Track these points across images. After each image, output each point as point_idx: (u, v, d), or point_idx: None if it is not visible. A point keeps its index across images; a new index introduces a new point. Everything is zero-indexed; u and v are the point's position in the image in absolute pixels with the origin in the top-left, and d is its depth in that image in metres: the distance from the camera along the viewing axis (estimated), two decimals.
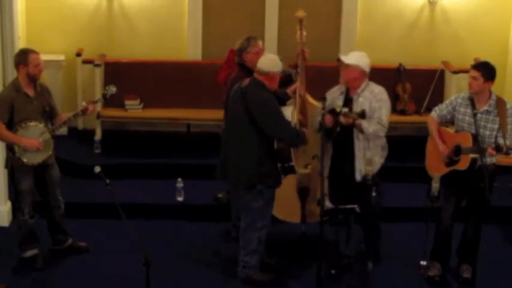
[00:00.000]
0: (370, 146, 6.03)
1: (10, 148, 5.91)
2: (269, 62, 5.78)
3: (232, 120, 5.95)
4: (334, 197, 5.97)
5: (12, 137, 5.84)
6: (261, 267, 6.11)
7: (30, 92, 5.92)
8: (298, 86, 6.23)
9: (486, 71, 5.84)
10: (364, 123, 5.86)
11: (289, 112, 5.90)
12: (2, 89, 6.19)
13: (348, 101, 6.01)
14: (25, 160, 5.89)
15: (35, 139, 5.86)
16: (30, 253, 6.18)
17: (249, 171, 5.78)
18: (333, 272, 6.23)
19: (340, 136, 6.01)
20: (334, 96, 6.08)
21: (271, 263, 6.27)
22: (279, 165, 5.84)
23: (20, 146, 5.84)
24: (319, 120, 5.88)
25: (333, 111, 5.85)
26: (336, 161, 6.11)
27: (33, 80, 5.93)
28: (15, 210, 6.17)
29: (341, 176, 6.11)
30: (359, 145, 6.01)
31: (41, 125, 5.91)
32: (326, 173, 6.06)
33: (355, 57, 6.00)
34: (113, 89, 6.16)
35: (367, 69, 6.00)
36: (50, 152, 6.00)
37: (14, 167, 5.98)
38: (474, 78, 5.84)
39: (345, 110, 5.84)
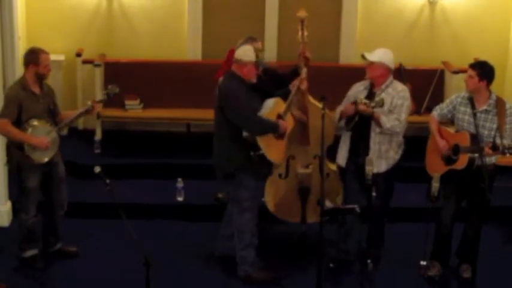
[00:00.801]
0: (385, 141, 6.09)
1: (18, 146, 5.90)
2: (241, 51, 5.94)
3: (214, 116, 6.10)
4: (349, 189, 6.11)
5: (22, 135, 5.85)
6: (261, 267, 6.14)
7: (37, 91, 5.95)
8: (299, 79, 6.22)
9: (482, 70, 5.87)
10: (383, 118, 5.97)
11: (270, 103, 5.97)
12: (9, 88, 6.19)
13: (371, 96, 6.09)
14: (34, 158, 5.89)
15: (44, 138, 5.88)
16: (29, 253, 6.18)
17: (223, 161, 5.94)
18: (331, 265, 6.26)
19: (358, 129, 6.10)
20: (358, 90, 6.20)
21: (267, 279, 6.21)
22: (251, 153, 5.88)
23: (30, 144, 5.84)
24: (341, 112, 6.10)
25: (353, 103, 6.03)
26: (353, 154, 6.20)
27: (40, 79, 5.96)
28: (18, 208, 6.14)
29: (356, 168, 6.16)
30: (375, 139, 6.09)
31: (48, 124, 5.93)
32: (343, 164, 6.27)
33: (379, 55, 6.08)
34: (115, 89, 6.17)
35: (391, 65, 6.13)
36: (56, 150, 6.01)
37: (20, 165, 5.97)
38: (470, 76, 5.90)
39: (365, 100, 5.96)
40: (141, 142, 8.39)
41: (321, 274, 5.55)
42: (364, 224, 6.33)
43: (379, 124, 5.99)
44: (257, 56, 5.95)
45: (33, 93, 5.92)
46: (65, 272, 6.19)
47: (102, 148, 8.05)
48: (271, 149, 5.94)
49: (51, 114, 6.02)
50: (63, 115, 6.14)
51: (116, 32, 8.57)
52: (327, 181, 6.11)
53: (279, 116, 5.98)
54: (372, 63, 6.06)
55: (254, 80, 5.95)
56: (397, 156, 6.21)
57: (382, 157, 6.11)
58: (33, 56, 5.90)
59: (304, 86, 6.22)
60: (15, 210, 6.22)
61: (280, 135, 6.00)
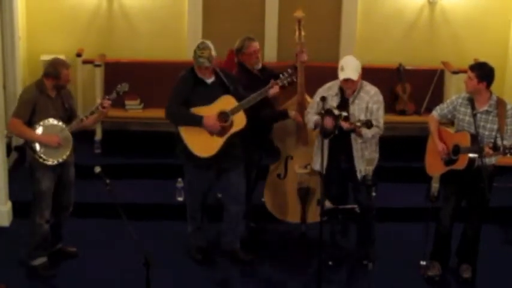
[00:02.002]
0: (367, 146, 6.06)
1: (30, 147, 5.88)
2: None
3: None
4: (329, 195, 5.97)
5: (33, 134, 5.83)
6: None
7: (53, 95, 5.94)
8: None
9: (481, 72, 5.85)
10: (363, 129, 5.83)
11: (217, 99, 6.03)
12: (26, 89, 6.17)
13: (344, 102, 6.01)
14: (47, 158, 5.85)
15: (55, 135, 5.85)
16: (39, 261, 6.13)
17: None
18: (330, 263, 6.27)
19: (337, 136, 5.98)
20: (327, 95, 6.04)
21: (245, 259, 6.40)
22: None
23: (41, 142, 5.82)
24: (317, 121, 5.89)
25: (328, 112, 5.84)
26: (332, 160, 6.10)
27: (59, 89, 5.97)
28: (32, 212, 6.06)
29: (337, 175, 6.13)
30: (357, 146, 6.03)
31: (60, 123, 5.91)
32: (323, 171, 6.06)
33: (357, 70, 5.93)
34: (125, 87, 6.14)
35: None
36: (70, 150, 5.98)
37: (34, 166, 5.93)
38: (469, 78, 5.89)
39: (345, 114, 5.83)
40: (141, 142, 8.39)
41: (321, 274, 5.56)
42: (354, 224, 6.36)
43: (360, 136, 5.91)
44: (194, 53, 6.05)
45: (49, 97, 5.91)
46: (65, 272, 6.18)
47: (102, 148, 8.05)
48: (198, 142, 6.05)
49: (66, 117, 6.00)
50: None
51: (116, 32, 8.56)
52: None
53: (222, 113, 6.00)
54: (353, 81, 5.94)
55: (204, 76, 6.07)
56: (377, 155, 6.20)
57: (370, 163, 6.07)
58: (55, 72, 5.87)
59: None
60: (29, 213, 6.10)
61: (219, 133, 6.04)
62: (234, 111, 6.02)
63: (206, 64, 6.00)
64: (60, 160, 5.92)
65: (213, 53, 6.02)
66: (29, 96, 5.91)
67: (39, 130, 5.84)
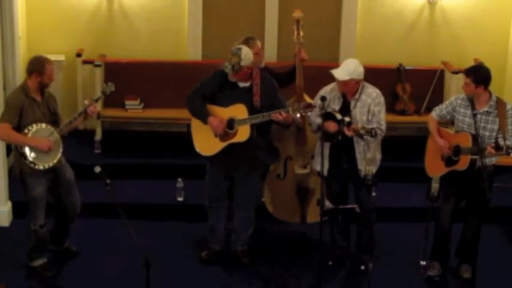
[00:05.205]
0: (370, 147, 6.05)
1: (21, 153, 5.80)
2: None
3: None
4: (331, 195, 5.99)
5: (23, 138, 5.76)
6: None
7: (38, 98, 5.88)
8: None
9: (476, 76, 5.83)
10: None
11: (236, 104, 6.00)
12: (11, 93, 6.12)
13: (346, 106, 6.01)
14: (39, 164, 5.79)
15: (45, 139, 5.80)
16: (39, 262, 6.12)
17: None
18: (330, 263, 6.27)
19: (339, 140, 5.99)
20: (330, 97, 6.05)
21: (242, 261, 6.38)
22: None
23: (32, 146, 5.75)
24: (319, 123, 5.88)
25: (329, 116, 5.82)
26: (334, 160, 6.11)
27: (43, 87, 5.91)
28: (27, 218, 6.04)
29: (339, 175, 6.13)
30: (359, 148, 6.02)
31: (49, 126, 5.86)
32: (325, 173, 6.05)
33: (348, 72, 5.91)
34: (112, 87, 6.13)
35: (361, 77, 5.99)
36: (60, 153, 5.94)
37: (25, 173, 5.88)
38: (466, 83, 5.87)
39: (347, 119, 5.82)
40: (141, 142, 8.39)
41: (321, 274, 5.57)
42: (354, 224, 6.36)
43: (363, 139, 5.92)
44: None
45: (35, 100, 5.85)
46: (65, 272, 6.19)
47: (102, 148, 8.05)
48: (202, 139, 6.14)
49: (52, 121, 5.94)
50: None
51: (116, 32, 8.57)
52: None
53: (231, 119, 5.99)
54: (342, 82, 5.92)
55: (233, 78, 6.01)
56: (380, 155, 6.20)
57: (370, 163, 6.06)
58: (38, 66, 5.81)
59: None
60: (25, 219, 6.11)
61: (221, 136, 6.04)
62: (242, 122, 5.98)
63: (226, 70, 5.94)
64: (51, 165, 5.86)
65: (243, 63, 5.87)
66: (15, 100, 5.82)
67: (28, 134, 5.77)
